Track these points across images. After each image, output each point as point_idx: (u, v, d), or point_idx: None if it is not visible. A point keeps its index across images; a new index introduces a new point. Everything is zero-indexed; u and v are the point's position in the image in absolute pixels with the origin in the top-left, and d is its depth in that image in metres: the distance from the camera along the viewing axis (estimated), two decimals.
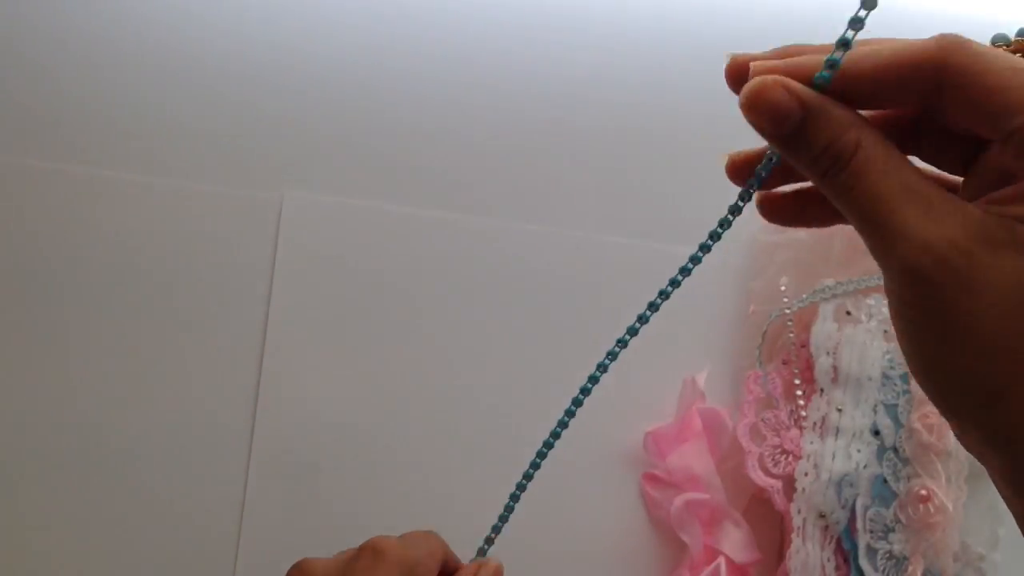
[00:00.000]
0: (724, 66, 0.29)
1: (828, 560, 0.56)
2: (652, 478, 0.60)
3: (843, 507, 0.56)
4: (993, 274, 0.25)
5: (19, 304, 0.60)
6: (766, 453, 0.58)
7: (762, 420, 0.59)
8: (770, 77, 0.27)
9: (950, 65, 0.26)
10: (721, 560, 0.56)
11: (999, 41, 0.31)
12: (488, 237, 0.61)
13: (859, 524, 0.56)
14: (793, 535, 0.56)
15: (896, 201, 0.26)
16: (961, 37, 0.26)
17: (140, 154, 0.63)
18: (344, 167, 0.64)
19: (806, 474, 0.57)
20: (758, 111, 0.27)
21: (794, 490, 0.57)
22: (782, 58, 0.28)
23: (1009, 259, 0.25)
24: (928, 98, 0.27)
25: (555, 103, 0.67)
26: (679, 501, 0.57)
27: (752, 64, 0.28)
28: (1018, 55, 0.29)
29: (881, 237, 0.26)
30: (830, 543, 0.56)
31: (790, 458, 0.58)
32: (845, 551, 0.56)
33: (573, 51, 0.68)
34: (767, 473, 0.58)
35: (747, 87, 0.28)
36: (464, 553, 0.42)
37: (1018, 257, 0.25)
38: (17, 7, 0.65)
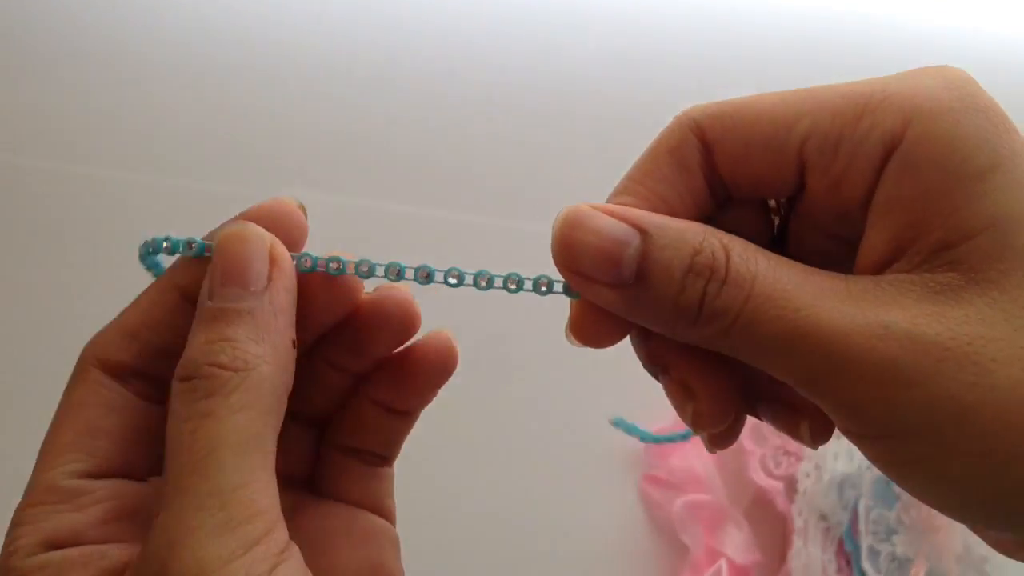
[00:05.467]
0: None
1: (830, 561, 0.56)
2: (653, 479, 0.60)
3: (845, 508, 0.56)
4: (978, 325, 0.18)
5: (19, 304, 0.60)
6: (768, 454, 0.58)
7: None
8: (583, 205, 0.21)
9: (703, 124, 0.22)
10: (723, 562, 0.56)
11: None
12: (488, 236, 0.61)
13: (861, 525, 0.55)
14: (795, 536, 0.56)
15: (807, 298, 0.19)
16: (700, 104, 0.22)
17: (140, 154, 0.63)
18: (344, 166, 0.64)
19: (808, 475, 0.57)
20: (582, 259, 0.20)
21: (796, 491, 0.57)
22: None
23: (979, 298, 0.18)
24: (712, 180, 0.22)
25: (555, 103, 0.67)
26: (680, 502, 0.57)
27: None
28: None
29: (811, 351, 0.19)
30: (832, 544, 0.56)
31: (792, 459, 0.58)
32: (847, 552, 0.56)
33: (574, 51, 0.68)
34: (769, 474, 0.58)
35: (556, 229, 0.21)
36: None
37: (984, 291, 0.18)
38: (17, 7, 0.65)
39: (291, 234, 0.24)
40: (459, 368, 0.71)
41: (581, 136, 0.67)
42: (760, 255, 0.20)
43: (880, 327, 0.18)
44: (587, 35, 0.69)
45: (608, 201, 0.22)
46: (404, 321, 0.26)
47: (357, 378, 0.27)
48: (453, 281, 0.25)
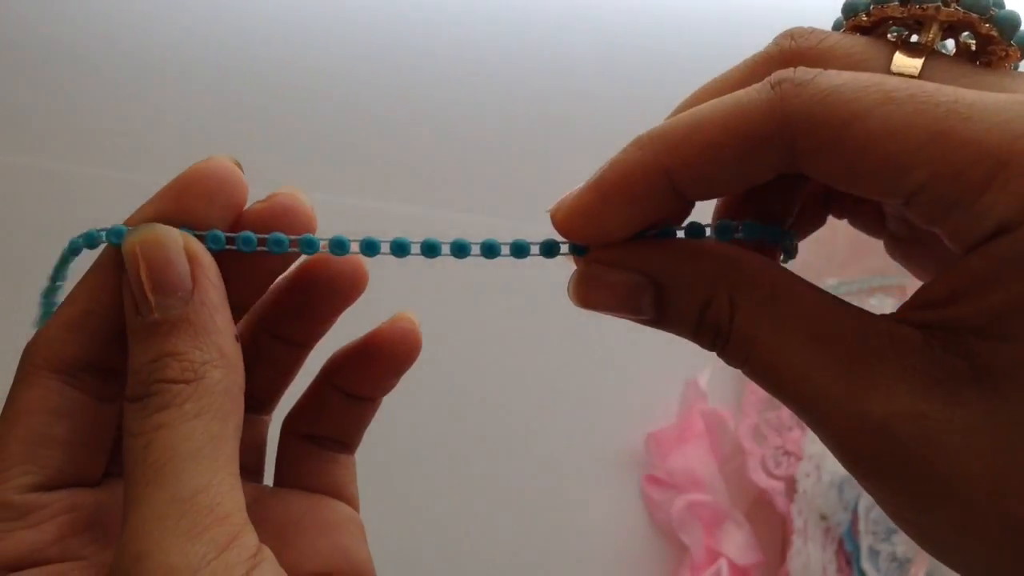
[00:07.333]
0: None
1: (830, 562, 0.56)
2: (653, 480, 0.60)
3: (845, 508, 0.56)
4: (960, 435, 0.17)
5: (19, 305, 0.60)
6: (768, 454, 0.58)
7: (764, 421, 0.59)
8: (592, 263, 0.21)
9: (795, 125, 0.18)
10: (723, 562, 0.56)
11: (859, 8, 0.21)
12: (488, 236, 0.61)
13: (861, 525, 0.55)
14: (794, 536, 0.56)
15: (803, 365, 0.19)
16: (800, 73, 0.19)
17: (139, 154, 0.63)
18: (341, 166, 0.64)
19: (808, 475, 0.57)
20: (602, 308, 0.21)
21: (796, 491, 0.57)
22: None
23: (975, 403, 0.17)
24: (789, 167, 0.19)
25: (553, 103, 0.67)
26: (680, 502, 0.57)
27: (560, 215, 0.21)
28: (886, 29, 0.20)
29: (803, 413, 0.19)
30: (832, 544, 0.56)
31: (792, 459, 0.58)
32: (847, 553, 0.56)
33: (571, 51, 0.68)
34: (769, 474, 0.58)
35: (571, 288, 0.22)
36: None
37: (986, 396, 0.17)
38: (17, 7, 0.65)
39: (232, 196, 0.23)
40: (460, 368, 0.71)
41: (582, 136, 0.67)
42: (766, 313, 0.19)
43: (858, 419, 0.18)
44: (587, 35, 0.69)
45: (645, 148, 0.21)
46: (352, 277, 0.25)
47: (303, 351, 0.26)
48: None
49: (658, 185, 0.20)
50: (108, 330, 0.22)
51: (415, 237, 0.28)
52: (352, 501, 0.27)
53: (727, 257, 0.20)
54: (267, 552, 0.20)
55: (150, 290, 0.21)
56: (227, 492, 0.19)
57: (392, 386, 0.27)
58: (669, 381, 0.61)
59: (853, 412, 0.18)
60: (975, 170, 0.17)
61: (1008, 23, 0.19)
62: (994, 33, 0.20)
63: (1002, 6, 0.20)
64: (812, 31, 0.21)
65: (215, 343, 0.21)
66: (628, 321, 0.22)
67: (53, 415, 0.21)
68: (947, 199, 0.17)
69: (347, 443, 0.27)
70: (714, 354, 0.21)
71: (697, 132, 0.20)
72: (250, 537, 0.19)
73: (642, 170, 0.20)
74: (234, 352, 0.21)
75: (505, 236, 0.28)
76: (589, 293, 0.21)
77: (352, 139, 0.65)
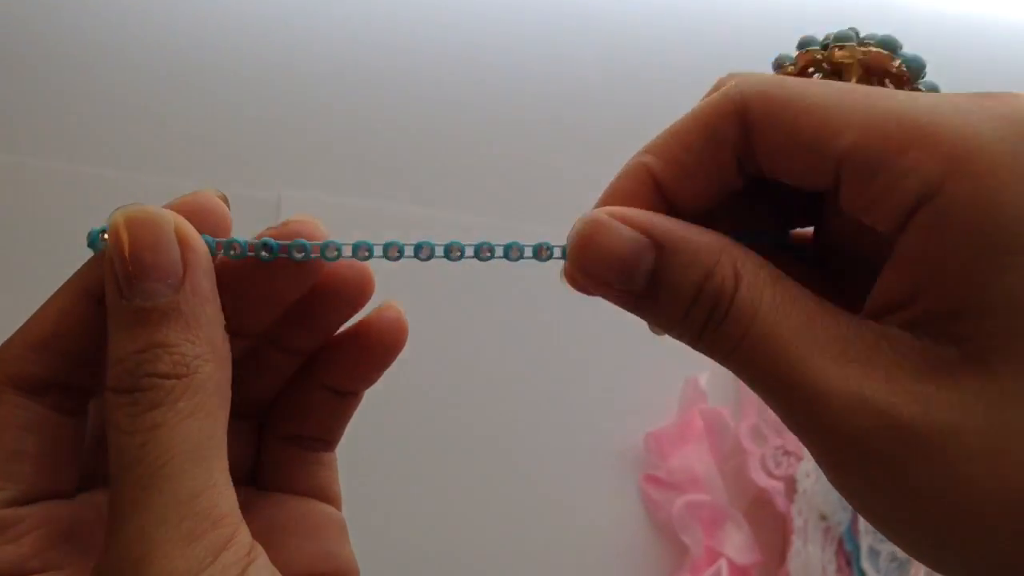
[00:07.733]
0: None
1: (829, 561, 0.56)
2: (653, 479, 0.60)
3: (845, 508, 0.56)
4: (958, 414, 0.17)
5: (19, 305, 0.60)
6: (768, 454, 0.58)
7: (764, 420, 0.59)
8: (603, 212, 0.21)
9: (749, 100, 0.20)
10: (722, 562, 0.56)
11: (785, 62, 0.25)
12: (485, 236, 0.61)
13: (861, 525, 0.55)
14: (794, 536, 0.56)
15: (800, 348, 0.19)
16: (754, 74, 0.21)
17: (139, 154, 0.63)
18: (341, 166, 0.64)
19: (807, 475, 0.57)
20: (596, 265, 0.20)
21: (796, 491, 0.57)
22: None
23: (968, 382, 0.18)
24: (744, 159, 0.21)
25: (552, 103, 0.67)
26: (680, 502, 0.57)
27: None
28: (813, 70, 0.24)
29: (794, 402, 0.19)
30: (831, 544, 0.56)
31: (792, 459, 0.58)
32: (847, 552, 0.56)
33: (569, 52, 0.68)
34: (769, 474, 0.58)
35: (574, 233, 0.21)
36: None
37: (977, 374, 0.17)
38: (17, 7, 0.65)
39: (216, 231, 0.22)
40: (461, 369, 0.71)
41: (581, 136, 0.67)
42: (768, 288, 0.19)
43: (859, 400, 0.18)
44: (587, 36, 0.69)
45: (633, 157, 0.22)
46: (359, 284, 0.25)
47: (304, 359, 0.26)
48: (424, 256, 0.24)
49: (645, 187, 0.22)
50: (75, 353, 0.22)
51: (415, 236, 0.27)
52: (335, 501, 0.27)
53: (731, 235, 0.21)
54: (260, 550, 0.20)
55: (129, 275, 0.20)
56: (223, 492, 0.19)
57: (377, 378, 0.26)
58: (669, 381, 0.61)
59: (853, 395, 0.18)
60: (897, 133, 0.18)
61: (915, 62, 0.23)
62: (904, 71, 0.22)
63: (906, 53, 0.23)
64: (748, 72, 0.23)
65: (207, 336, 0.20)
66: (626, 316, 0.22)
67: (22, 431, 0.21)
68: (872, 161, 0.18)
69: (329, 440, 0.27)
70: None
71: (671, 128, 0.22)
72: (244, 536, 0.19)
73: (629, 174, 0.22)
74: (224, 345, 0.21)
75: (504, 237, 0.28)
76: (587, 252, 0.21)
77: (352, 139, 0.65)
